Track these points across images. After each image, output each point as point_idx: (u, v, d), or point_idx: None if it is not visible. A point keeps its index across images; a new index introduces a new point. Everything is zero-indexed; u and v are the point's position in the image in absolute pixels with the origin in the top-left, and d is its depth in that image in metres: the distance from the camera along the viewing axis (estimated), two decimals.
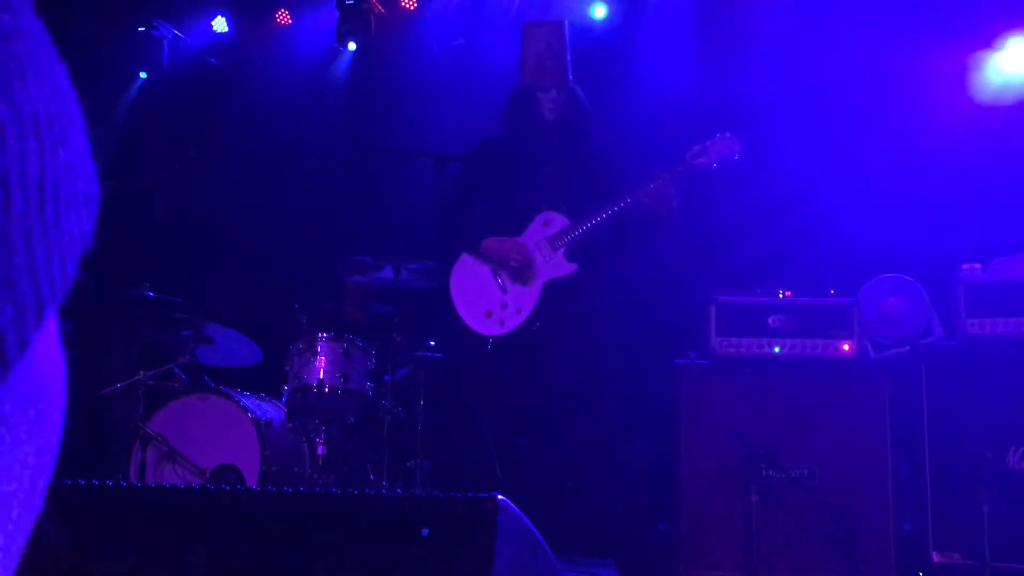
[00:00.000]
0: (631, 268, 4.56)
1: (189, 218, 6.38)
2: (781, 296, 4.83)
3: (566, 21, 4.04)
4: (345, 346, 4.91)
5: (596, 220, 3.79)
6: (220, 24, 6.60)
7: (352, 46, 6.46)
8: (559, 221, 3.84)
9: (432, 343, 5.13)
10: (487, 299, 3.88)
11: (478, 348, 3.86)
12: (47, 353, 0.44)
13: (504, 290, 3.87)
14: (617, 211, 3.76)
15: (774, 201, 5.70)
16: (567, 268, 3.81)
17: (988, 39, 5.47)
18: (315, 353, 4.90)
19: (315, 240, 6.05)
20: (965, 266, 4.67)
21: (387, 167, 5.63)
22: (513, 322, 3.82)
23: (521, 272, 3.83)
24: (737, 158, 3.72)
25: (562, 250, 3.81)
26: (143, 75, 6.65)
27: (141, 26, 6.53)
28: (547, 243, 3.83)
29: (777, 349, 4.74)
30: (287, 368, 5.00)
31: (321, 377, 4.85)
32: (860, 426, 4.62)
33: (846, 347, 4.71)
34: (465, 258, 4.00)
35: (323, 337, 4.93)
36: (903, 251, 5.31)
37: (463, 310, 3.94)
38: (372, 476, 4.95)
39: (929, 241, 5.36)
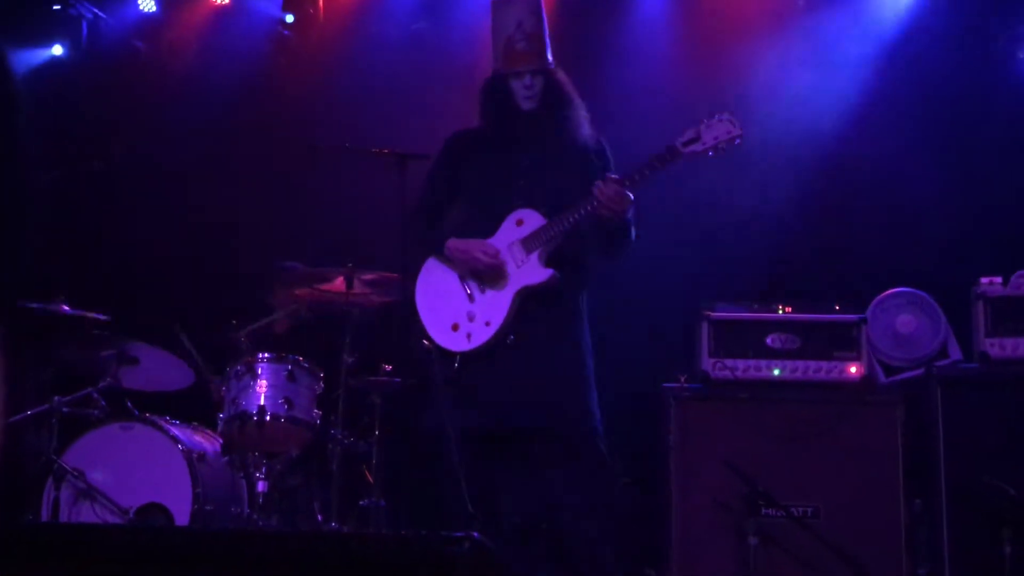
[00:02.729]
0: (611, 278, 4.55)
1: (111, 222, 6.31)
2: (781, 312, 4.88)
3: None
4: (290, 368, 4.88)
5: (573, 218, 3.72)
6: (147, 3, 6.55)
7: (290, 18, 6.47)
8: (534, 220, 3.78)
9: (388, 367, 5.11)
10: (453, 310, 3.83)
11: (444, 366, 3.81)
12: None
13: (471, 299, 3.82)
14: (592, 208, 3.70)
15: (773, 205, 5.70)
16: (542, 274, 3.75)
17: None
18: (255, 376, 4.87)
19: (258, 248, 5.97)
20: (985, 280, 4.71)
21: (340, 166, 5.60)
22: (481, 336, 3.76)
23: (491, 276, 3.79)
24: (739, 143, 3.67)
25: (536, 253, 3.76)
26: (58, 51, 6.55)
27: (57, 3, 6.46)
28: (520, 245, 3.77)
29: (776, 372, 4.80)
30: (223, 393, 4.95)
31: (262, 403, 4.82)
32: (869, 458, 4.66)
33: (853, 369, 4.77)
34: (431, 263, 3.92)
35: (264, 358, 4.90)
36: (917, 263, 5.34)
37: (428, 322, 3.88)
38: (320, 516, 4.91)
39: (946, 252, 5.39)
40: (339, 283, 4.94)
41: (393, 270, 4.76)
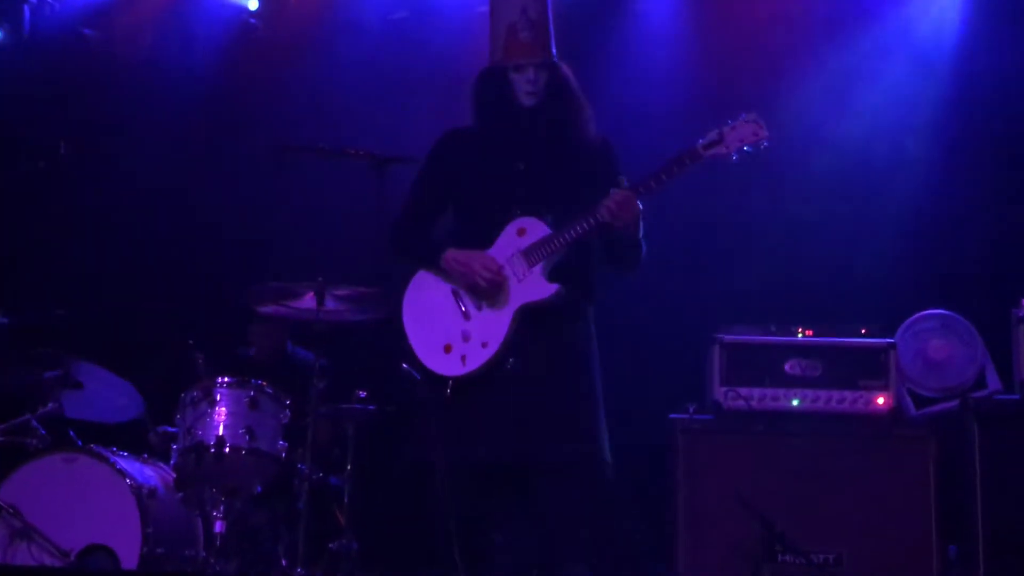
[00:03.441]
0: (614, 295, 4.50)
1: (56, 227, 6.24)
2: (800, 336, 4.88)
3: None
4: (252, 395, 4.85)
5: (581, 229, 3.68)
6: None
7: (254, 4, 6.46)
8: (537, 229, 3.73)
9: (363, 393, 5.06)
10: (446, 329, 3.77)
11: (435, 392, 3.74)
12: None
13: (467, 317, 3.76)
14: (600, 220, 3.65)
15: (794, 219, 5.70)
16: (546, 290, 3.70)
17: None
18: (214, 403, 4.83)
19: (217, 259, 5.99)
20: None
21: (311, 169, 5.57)
22: (477, 359, 3.70)
23: (490, 295, 3.74)
24: (766, 146, 3.64)
25: (540, 266, 3.72)
26: None
27: None
28: (521, 257, 3.73)
29: (796, 402, 4.81)
30: (178, 422, 4.91)
31: (221, 434, 4.79)
32: (898, 499, 4.65)
33: (881, 400, 4.77)
34: (422, 276, 3.86)
35: (224, 383, 4.87)
36: (951, 282, 5.34)
37: (417, 343, 3.81)
38: (285, 561, 4.84)
39: (983, 270, 5.39)
40: (309, 299, 4.89)
41: (370, 284, 4.77)
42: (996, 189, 5.57)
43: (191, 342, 5.12)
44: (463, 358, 3.71)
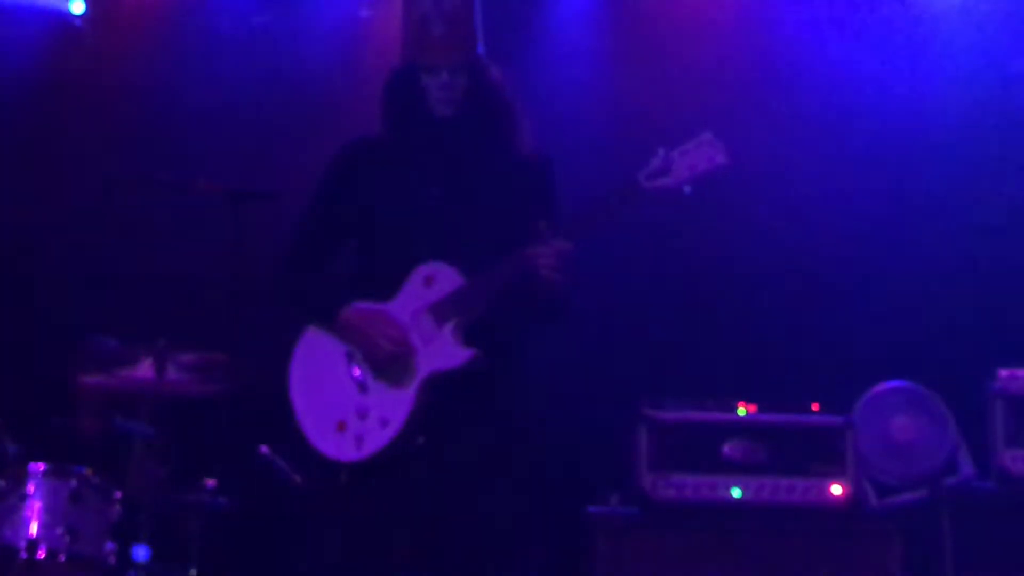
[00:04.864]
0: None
1: None
2: (741, 412, 4.88)
3: None
4: (74, 485, 4.73)
5: (500, 281, 3.53)
6: None
7: (79, 7, 6.24)
8: (447, 279, 3.59)
9: (211, 483, 4.92)
10: (338, 403, 3.64)
11: (328, 480, 3.62)
12: None
13: (363, 389, 3.62)
14: (524, 270, 3.51)
15: (734, 271, 5.67)
16: (458, 356, 3.56)
17: None
18: (25, 496, 4.72)
19: (31, 315, 5.76)
20: (1004, 373, 4.76)
21: (150, 206, 5.45)
22: (377, 440, 3.56)
23: (392, 362, 3.59)
24: (723, 174, 3.49)
25: (451, 325, 3.57)
26: None
27: None
28: (428, 315, 3.59)
29: (737, 492, 4.79)
30: None
31: (34, 535, 4.67)
32: None
33: (837, 489, 4.78)
34: (311, 335, 3.71)
35: (38, 472, 4.76)
36: (918, 350, 5.33)
37: (305, 420, 3.67)
38: None
39: (956, 338, 5.37)
40: (146, 367, 4.86)
41: (221, 349, 4.76)
42: (968, 246, 5.60)
43: None
44: (359, 440, 3.57)
